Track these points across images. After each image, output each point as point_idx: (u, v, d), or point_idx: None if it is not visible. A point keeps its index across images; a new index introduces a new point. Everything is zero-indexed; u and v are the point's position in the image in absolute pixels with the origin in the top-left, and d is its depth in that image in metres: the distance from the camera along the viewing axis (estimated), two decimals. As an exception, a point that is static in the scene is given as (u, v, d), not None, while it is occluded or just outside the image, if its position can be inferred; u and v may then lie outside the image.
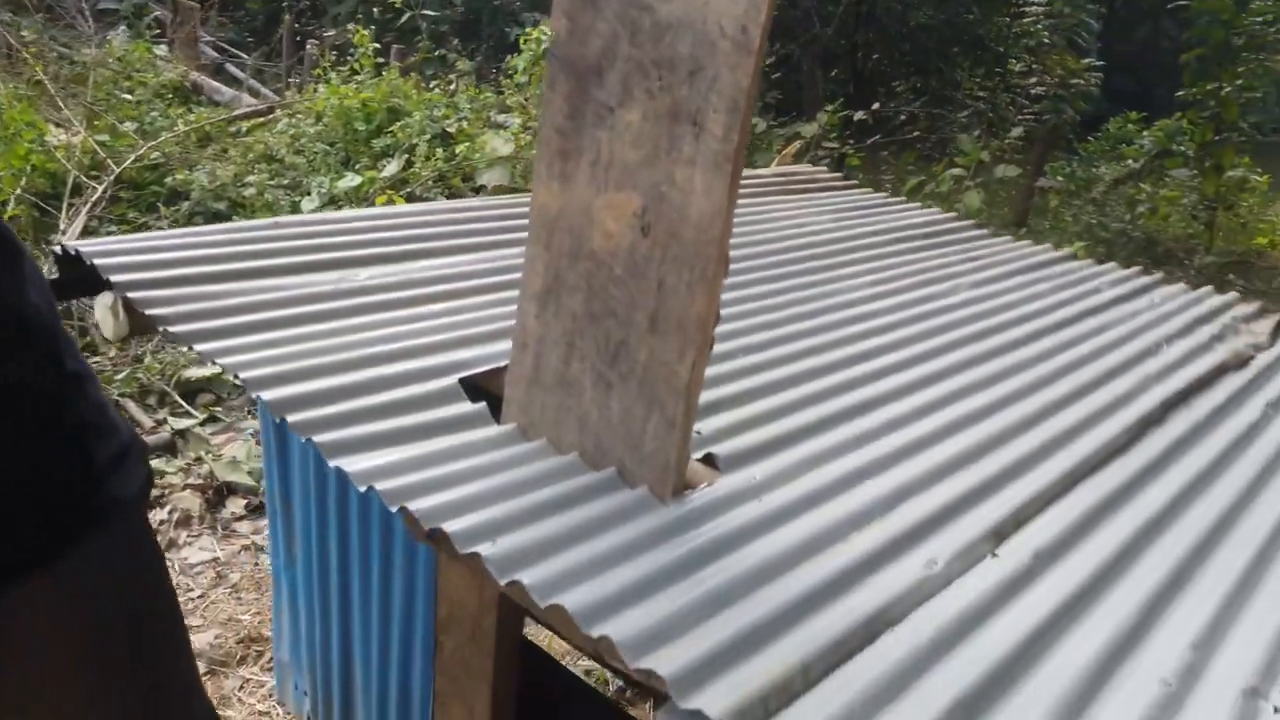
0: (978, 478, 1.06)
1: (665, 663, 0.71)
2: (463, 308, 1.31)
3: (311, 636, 1.60)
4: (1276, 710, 0.77)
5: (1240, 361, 1.55)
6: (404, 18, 7.18)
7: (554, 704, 1.55)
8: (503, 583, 0.80)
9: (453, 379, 1.12)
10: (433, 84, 5.56)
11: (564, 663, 2.02)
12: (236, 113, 5.38)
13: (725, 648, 0.74)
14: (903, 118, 8.52)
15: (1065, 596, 0.87)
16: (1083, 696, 0.75)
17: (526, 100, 5.30)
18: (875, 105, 7.52)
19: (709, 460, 1.02)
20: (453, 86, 5.54)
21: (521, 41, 5.35)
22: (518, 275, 1.46)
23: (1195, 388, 1.41)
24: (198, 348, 1.07)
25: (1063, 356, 1.46)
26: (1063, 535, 0.97)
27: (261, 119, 5.40)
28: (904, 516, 0.96)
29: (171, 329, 1.10)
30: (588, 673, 2.16)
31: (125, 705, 1.04)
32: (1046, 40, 11.21)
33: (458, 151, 4.52)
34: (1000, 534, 0.96)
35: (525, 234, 1.67)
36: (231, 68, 7.92)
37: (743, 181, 0.88)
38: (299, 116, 5.17)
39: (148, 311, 1.12)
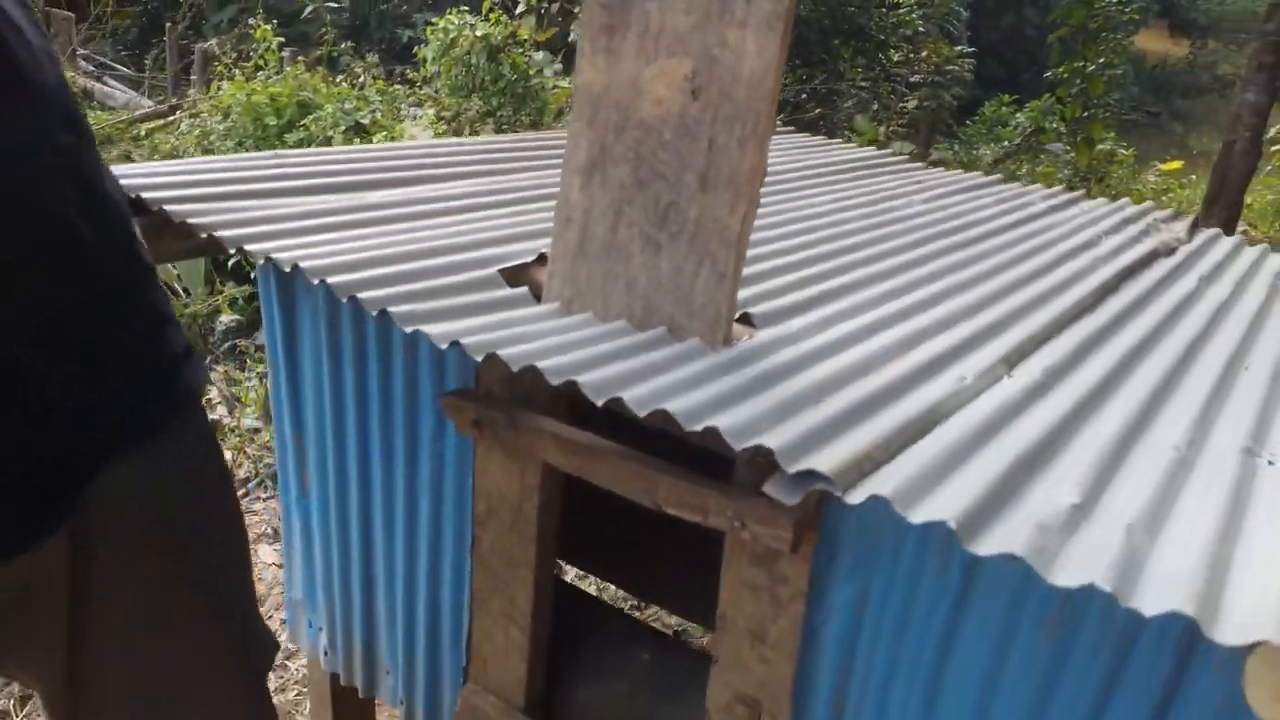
0: (976, 327, 1.19)
1: (768, 441, 0.80)
2: (480, 218, 1.37)
3: (328, 567, 1.63)
4: (1270, 463, 0.90)
5: (1168, 250, 1.73)
6: (306, 10, 7.08)
7: (586, 629, 1.60)
8: (600, 402, 0.88)
9: (492, 270, 1.19)
10: (339, 79, 5.52)
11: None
12: (137, 114, 5.24)
13: (812, 432, 0.84)
14: (804, 95, 8.85)
15: (1080, 397, 0.99)
16: (1115, 456, 0.87)
17: (437, 91, 5.31)
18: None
19: (744, 319, 1.12)
20: (361, 79, 5.51)
21: (428, 32, 5.36)
22: (532, 193, 1.54)
23: (1137, 267, 1.58)
24: (248, 248, 1.11)
25: (1019, 247, 1.60)
26: (1063, 361, 1.10)
27: (162, 120, 5.28)
28: (925, 352, 1.08)
29: (218, 234, 1.13)
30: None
31: (203, 587, 1.08)
32: (922, 29, 11.70)
33: (375, 141, 4.51)
34: (1010, 361, 1.09)
35: (533, 162, 1.75)
36: (111, 80, 7.67)
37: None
38: (203, 115, 5.07)
39: (190, 221, 1.15)
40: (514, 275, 1.22)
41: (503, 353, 0.93)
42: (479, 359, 0.95)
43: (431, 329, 0.98)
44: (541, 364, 0.91)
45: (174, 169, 1.34)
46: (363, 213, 1.31)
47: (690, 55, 0.96)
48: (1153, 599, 0.65)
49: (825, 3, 11.86)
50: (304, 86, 4.96)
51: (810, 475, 0.78)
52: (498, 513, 1.32)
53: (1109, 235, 1.74)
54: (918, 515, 0.72)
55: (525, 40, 5.24)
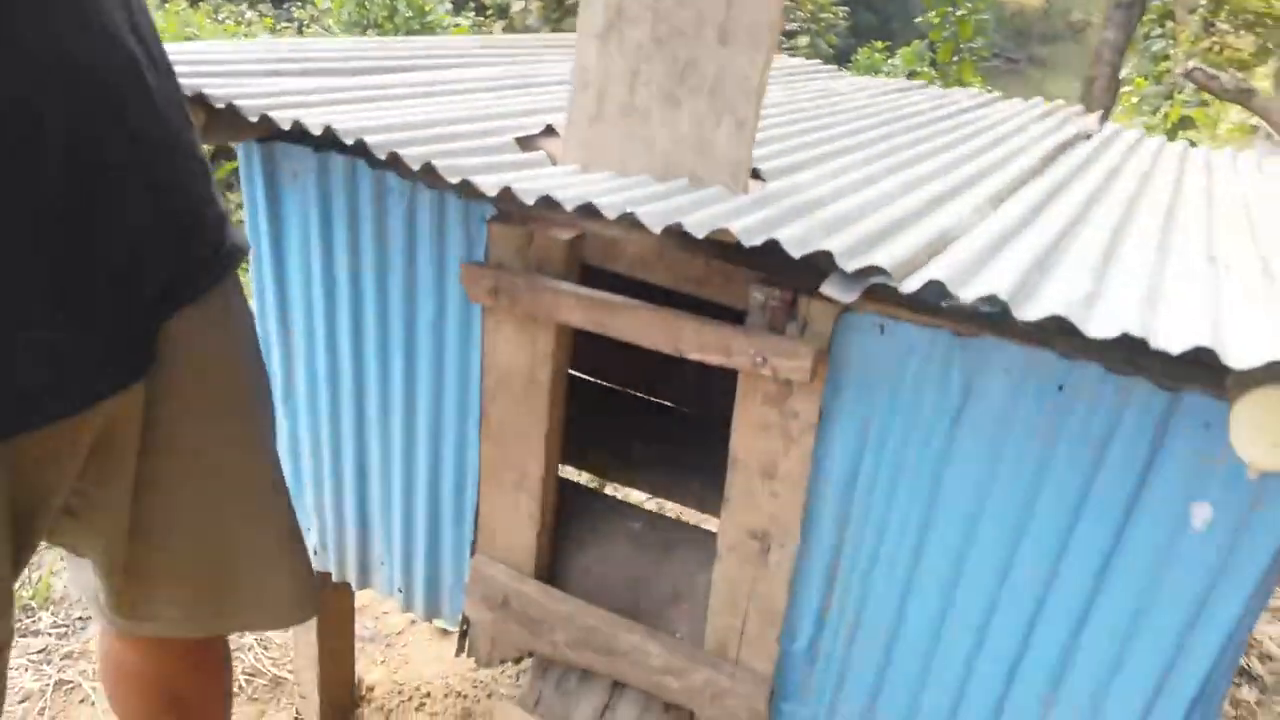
0: (954, 182, 1.30)
1: (826, 246, 0.89)
2: (486, 98, 1.41)
3: (318, 465, 1.65)
4: (1228, 268, 1.04)
5: (1086, 135, 1.90)
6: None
7: (576, 506, 1.66)
8: (659, 229, 0.94)
9: (508, 137, 1.23)
10: (222, 17, 5.31)
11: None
12: None
13: (858, 241, 0.93)
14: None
15: (1061, 226, 1.12)
16: (1107, 261, 1.00)
17: (328, 29, 5.17)
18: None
19: (753, 174, 1.20)
20: (248, 14, 5.31)
21: (323, -34, 5.20)
22: (536, 79, 1.58)
23: (1067, 145, 1.73)
24: (273, 114, 1.13)
25: (962, 130, 1.74)
26: (1036, 201, 1.23)
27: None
28: (920, 197, 1.19)
29: (237, 103, 1.14)
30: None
31: (254, 444, 1.12)
32: (797, -22, 11.91)
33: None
34: (994, 202, 1.21)
35: (529, 56, 1.78)
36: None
37: None
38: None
39: (205, 91, 1.15)
40: (526, 145, 1.27)
41: (557, 194, 0.99)
42: (530, 203, 1.00)
43: (478, 179, 1.03)
44: (598, 200, 0.97)
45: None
46: (367, 91, 1.33)
47: (712, -88, 1.03)
48: (1172, 342, 0.77)
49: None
50: (188, 23, 4.75)
51: (866, 272, 0.87)
52: (508, 385, 1.38)
53: (1035, 122, 1.89)
54: (969, 294, 0.82)
55: (419, -23, 5.14)
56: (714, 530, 1.74)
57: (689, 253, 1.25)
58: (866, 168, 1.32)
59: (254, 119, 1.13)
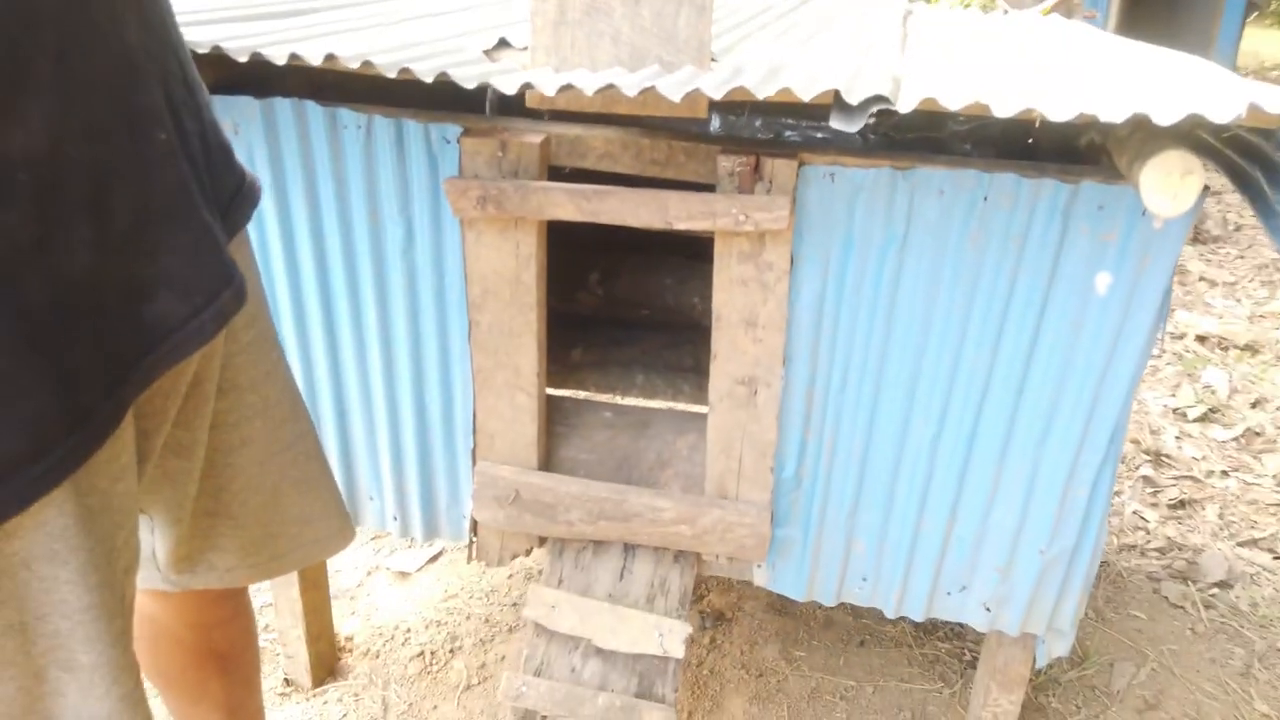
0: (866, 44, 1.50)
1: (832, 85, 1.06)
2: (420, 26, 1.47)
3: (293, 412, 1.67)
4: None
5: (910, 11, 2.17)
6: None
7: (559, 416, 1.77)
8: (678, 97, 1.08)
9: (474, 52, 1.32)
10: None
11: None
12: None
13: (846, 85, 1.11)
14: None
15: (969, 51, 1.34)
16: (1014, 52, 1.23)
17: None
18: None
19: (704, 57, 1.35)
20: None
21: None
22: (448, 9, 1.63)
23: (907, 15, 1.98)
24: (265, 52, 1.16)
25: (818, 14, 1.95)
26: (933, 41, 1.45)
27: None
28: (854, 53, 1.38)
29: (223, 45, 1.16)
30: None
31: (291, 384, 1.17)
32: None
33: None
34: (900, 48, 1.42)
35: None
36: None
37: None
38: None
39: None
40: (491, 57, 1.36)
41: (577, 83, 1.10)
42: (552, 93, 1.11)
43: (495, 80, 1.13)
44: (619, 83, 1.10)
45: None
46: (300, 30, 1.37)
47: None
48: (1115, 109, 0.99)
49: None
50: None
51: (869, 102, 1.05)
52: (495, 291, 1.47)
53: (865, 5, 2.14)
54: (954, 104, 1.02)
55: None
56: (678, 407, 1.91)
57: (652, 138, 1.39)
58: (781, 43, 1.50)
59: (243, 59, 1.16)
